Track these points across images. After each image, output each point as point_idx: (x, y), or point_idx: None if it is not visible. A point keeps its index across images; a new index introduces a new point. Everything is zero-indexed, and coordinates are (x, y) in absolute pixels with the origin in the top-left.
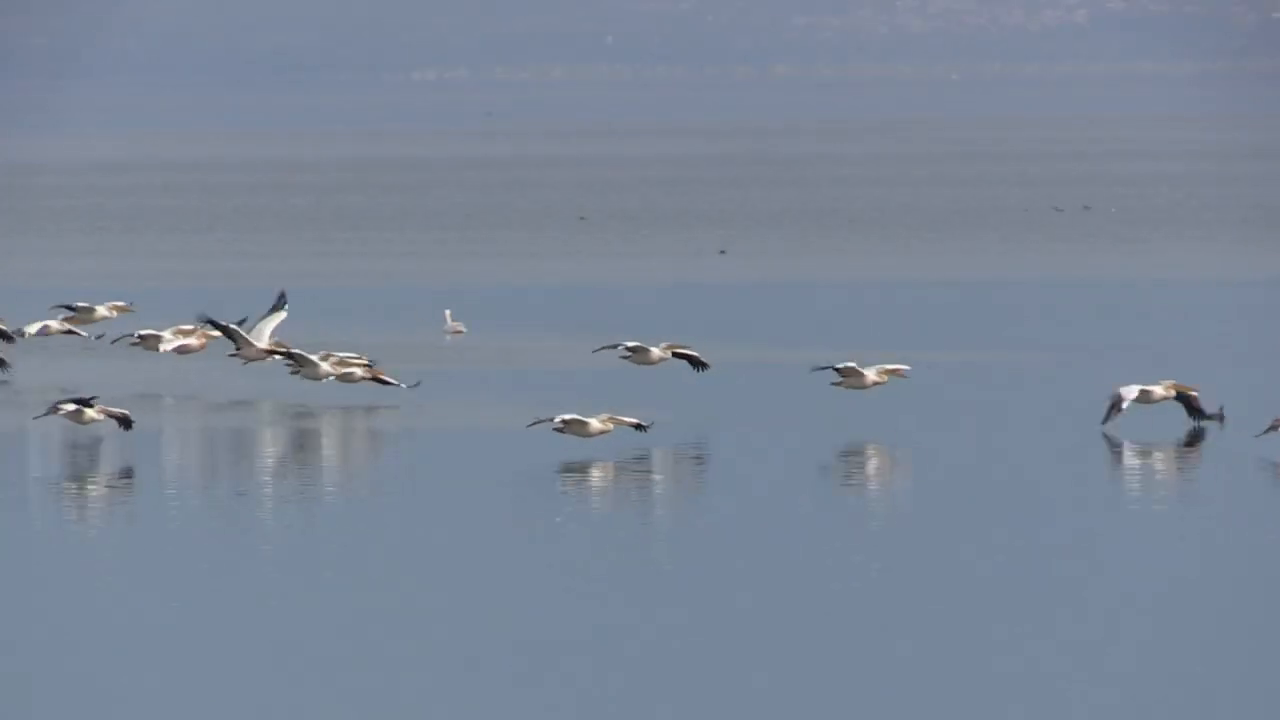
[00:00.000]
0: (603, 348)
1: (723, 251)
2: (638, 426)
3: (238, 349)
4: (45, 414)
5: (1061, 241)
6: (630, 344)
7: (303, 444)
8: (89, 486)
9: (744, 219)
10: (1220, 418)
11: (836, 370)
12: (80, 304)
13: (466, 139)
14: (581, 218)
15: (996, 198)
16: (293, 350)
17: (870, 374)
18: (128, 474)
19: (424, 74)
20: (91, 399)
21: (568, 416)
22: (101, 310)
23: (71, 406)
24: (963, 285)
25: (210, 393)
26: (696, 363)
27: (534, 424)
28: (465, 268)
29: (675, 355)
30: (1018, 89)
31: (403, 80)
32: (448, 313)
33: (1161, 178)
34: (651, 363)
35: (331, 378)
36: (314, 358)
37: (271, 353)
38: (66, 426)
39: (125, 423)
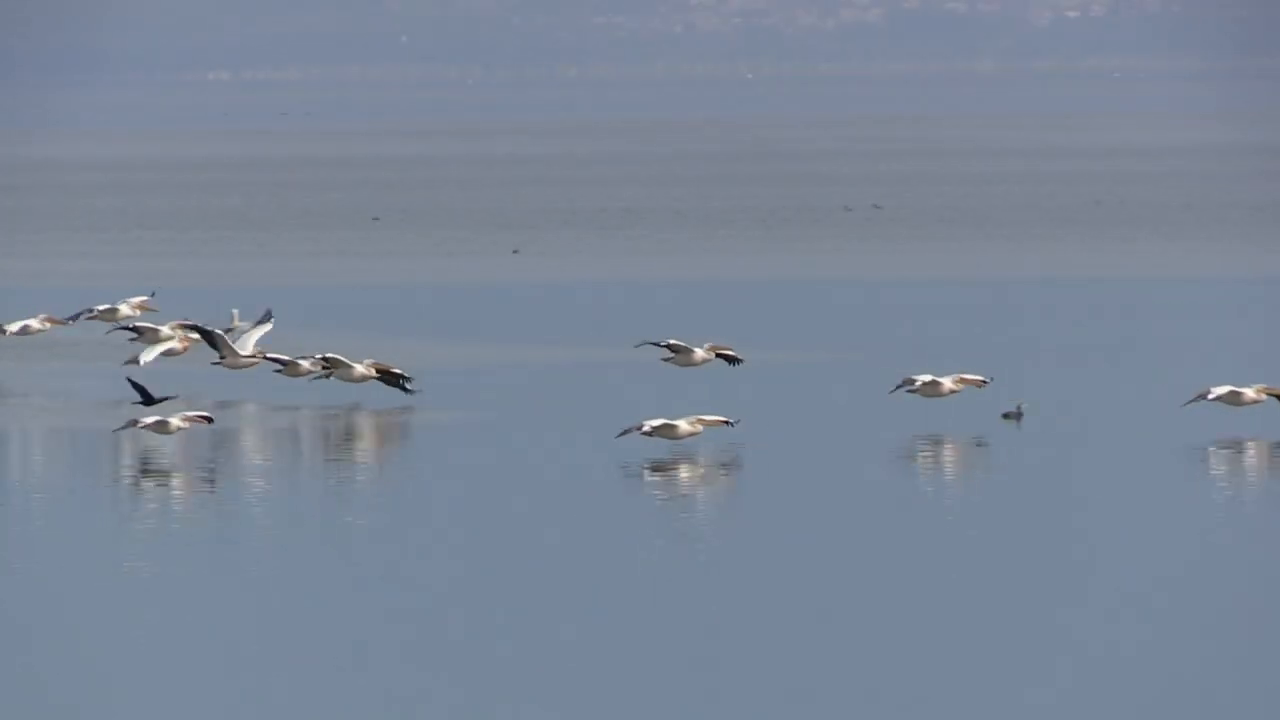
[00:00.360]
0: (645, 343)
1: (516, 251)
2: (726, 424)
3: (221, 357)
4: (124, 427)
5: (856, 240)
6: (673, 342)
7: (283, 443)
8: (86, 486)
9: (538, 218)
10: (1019, 415)
11: (913, 383)
12: (103, 306)
13: (260, 139)
14: (375, 218)
15: (786, 196)
16: (277, 355)
17: (947, 382)
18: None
19: (219, 74)
20: (166, 398)
21: (656, 422)
22: (124, 309)
23: (154, 419)
24: (756, 284)
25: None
26: (733, 360)
27: (623, 433)
28: (253, 268)
29: (718, 355)
30: (813, 88)
31: (198, 80)
32: (235, 312)
33: (945, 177)
34: (695, 364)
35: (314, 375)
36: (301, 360)
37: (257, 359)
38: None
39: (208, 422)
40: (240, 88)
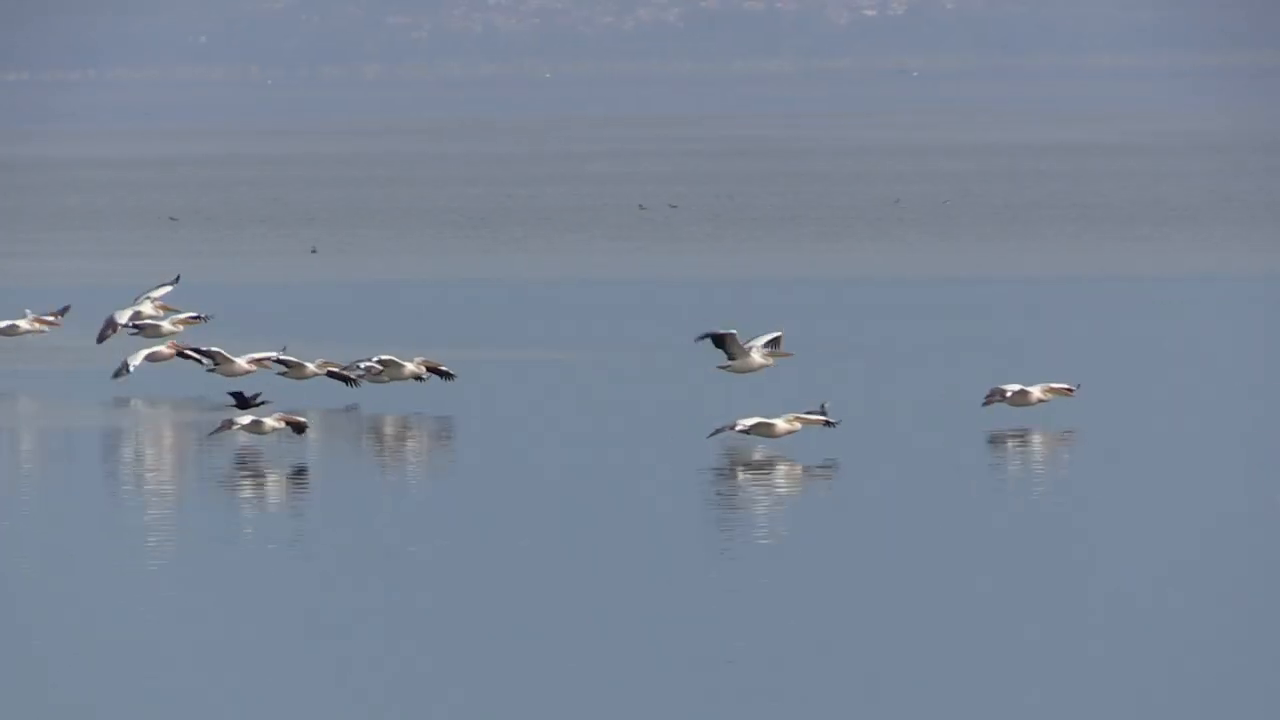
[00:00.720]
0: (703, 336)
1: (314, 250)
2: (826, 423)
3: (215, 365)
4: (219, 430)
5: (651, 240)
6: (728, 341)
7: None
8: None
9: (335, 217)
10: (824, 412)
11: (1004, 391)
12: (142, 320)
13: (49, 139)
14: (172, 218)
15: (582, 196)
16: (287, 358)
17: (1036, 391)
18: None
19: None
20: (256, 399)
21: (752, 421)
22: (167, 326)
23: (247, 419)
24: (561, 283)
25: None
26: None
27: (715, 433)
28: (41, 269)
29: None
30: (612, 88)
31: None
32: (28, 312)
33: (744, 176)
34: (753, 369)
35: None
36: (307, 363)
37: (258, 364)
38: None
39: (300, 429)
40: (38, 88)
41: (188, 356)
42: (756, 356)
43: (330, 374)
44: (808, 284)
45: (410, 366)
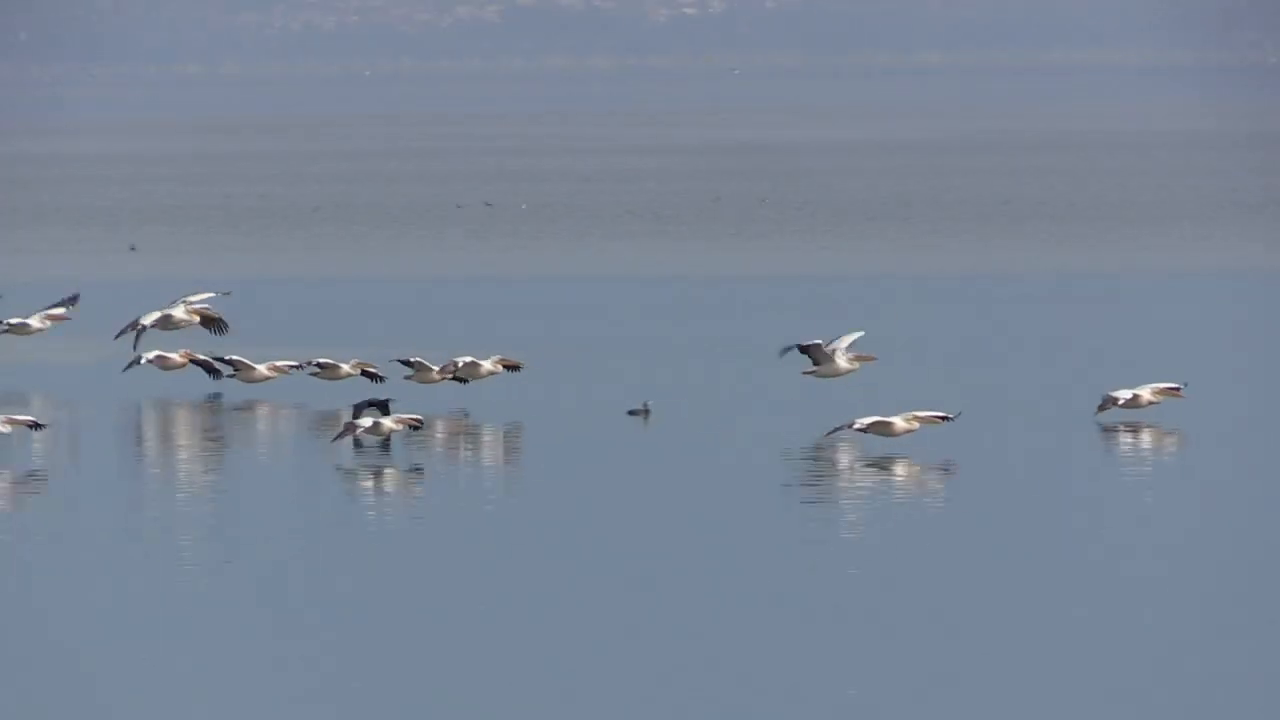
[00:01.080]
0: (788, 350)
1: (133, 248)
2: (944, 418)
3: (236, 371)
4: (341, 436)
5: (466, 238)
6: (813, 350)
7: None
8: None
9: (157, 215)
10: (645, 412)
11: (1116, 399)
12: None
13: None
14: None
15: (397, 194)
16: (322, 360)
17: (1146, 394)
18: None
19: None
20: (388, 403)
21: (870, 420)
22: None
23: (368, 422)
24: (376, 282)
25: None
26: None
27: (833, 431)
28: None
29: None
30: (431, 85)
31: None
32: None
33: (558, 175)
34: (840, 374)
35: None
36: (343, 364)
37: (273, 375)
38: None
39: (417, 427)
40: None
41: (202, 364)
42: (842, 361)
43: (364, 373)
44: (591, 281)
45: (487, 365)
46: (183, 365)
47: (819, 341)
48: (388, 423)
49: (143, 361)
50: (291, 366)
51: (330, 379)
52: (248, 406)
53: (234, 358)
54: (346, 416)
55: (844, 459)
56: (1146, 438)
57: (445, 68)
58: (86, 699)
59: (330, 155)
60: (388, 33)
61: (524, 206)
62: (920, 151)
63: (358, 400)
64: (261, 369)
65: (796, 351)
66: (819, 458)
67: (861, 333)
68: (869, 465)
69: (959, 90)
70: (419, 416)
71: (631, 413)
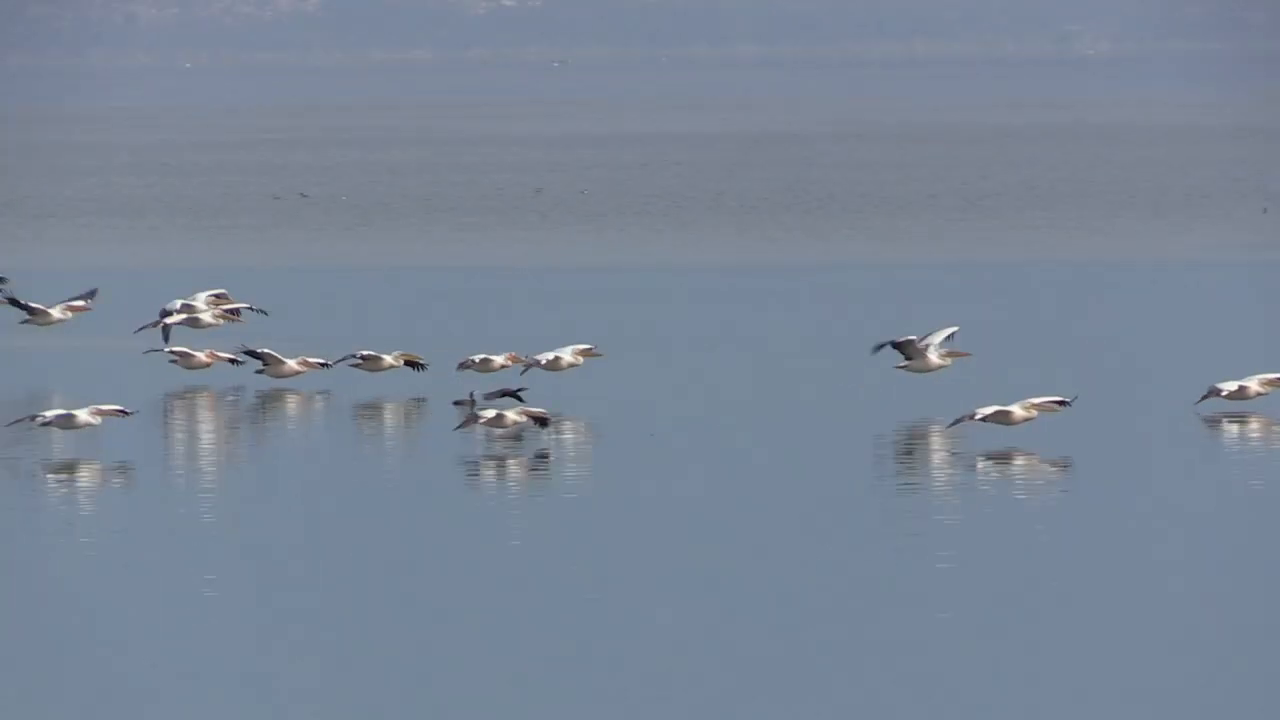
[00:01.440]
0: (881, 346)
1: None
2: (1061, 403)
3: (265, 366)
4: (463, 425)
5: (285, 228)
6: (906, 345)
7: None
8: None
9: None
10: (471, 403)
11: (1220, 389)
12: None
13: None
14: None
15: (212, 185)
16: (365, 352)
17: (1254, 385)
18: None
19: None
20: (519, 391)
21: (990, 410)
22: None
23: (491, 413)
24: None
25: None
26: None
27: (954, 423)
28: None
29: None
30: (252, 78)
31: None
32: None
33: (374, 166)
34: (931, 369)
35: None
36: (385, 355)
37: (307, 365)
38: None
39: (543, 422)
40: None
41: (230, 361)
42: (934, 357)
43: (408, 364)
44: (445, 271)
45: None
46: (208, 364)
47: (912, 338)
48: (511, 415)
49: (164, 350)
50: (320, 363)
51: (372, 370)
52: (302, 397)
53: (264, 351)
54: (466, 407)
55: (952, 451)
56: (1255, 428)
57: (267, 60)
58: (121, 687)
59: (135, 148)
60: (210, 25)
61: (344, 198)
62: (733, 142)
63: (490, 390)
64: (291, 363)
65: (890, 348)
66: (930, 449)
67: (956, 328)
68: (985, 458)
69: (769, 81)
70: (545, 411)
71: (457, 403)
